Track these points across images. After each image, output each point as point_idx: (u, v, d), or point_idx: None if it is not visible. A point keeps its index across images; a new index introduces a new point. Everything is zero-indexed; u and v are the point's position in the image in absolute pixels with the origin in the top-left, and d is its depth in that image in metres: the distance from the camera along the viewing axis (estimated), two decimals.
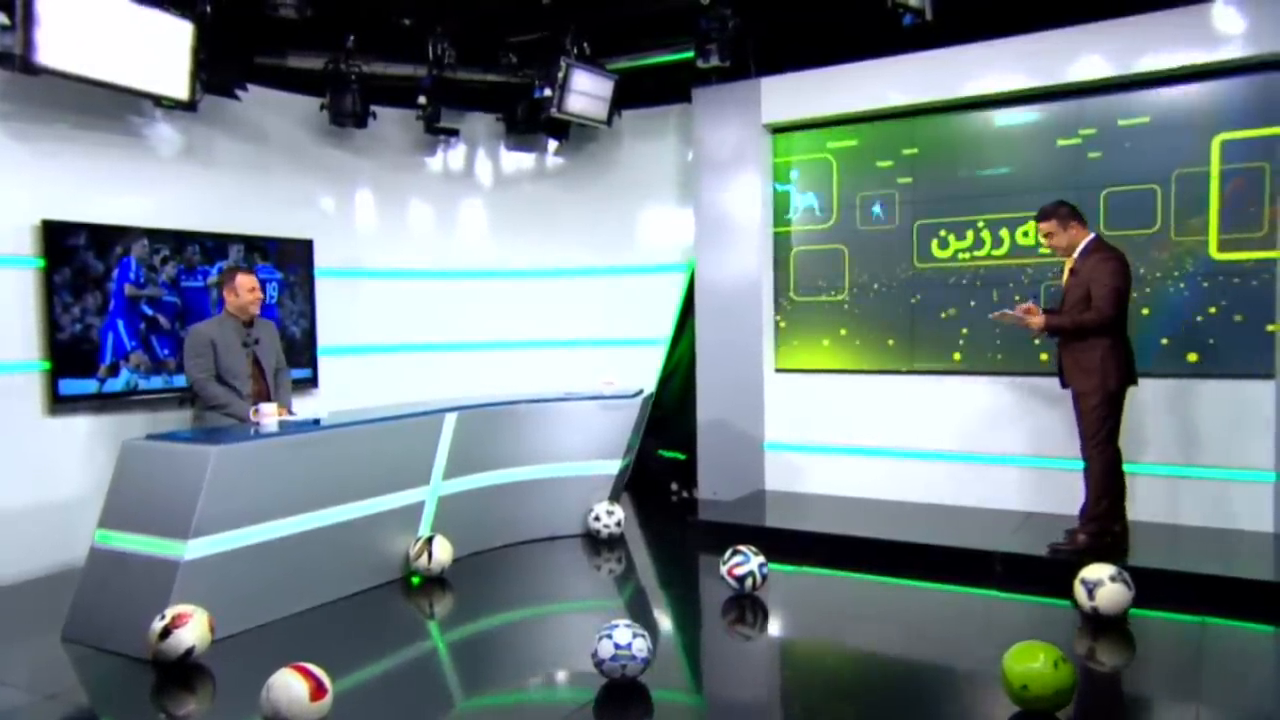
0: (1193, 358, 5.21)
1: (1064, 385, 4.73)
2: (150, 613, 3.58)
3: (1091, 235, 4.62)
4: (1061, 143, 5.56)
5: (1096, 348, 4.49)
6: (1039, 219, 4.69)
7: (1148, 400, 5.18)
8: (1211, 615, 4.02)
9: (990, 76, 5.62)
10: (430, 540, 4.73)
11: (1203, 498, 5.14)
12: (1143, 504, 5.16)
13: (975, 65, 5.65)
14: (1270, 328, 5.00)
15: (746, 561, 4.27)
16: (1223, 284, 5.15)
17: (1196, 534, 5.00)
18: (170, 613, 3.54)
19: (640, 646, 3.24)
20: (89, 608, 3.93)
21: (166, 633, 3.49)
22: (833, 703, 3.42)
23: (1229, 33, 4.97)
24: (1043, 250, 5.55)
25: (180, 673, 3.53)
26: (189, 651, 3.51)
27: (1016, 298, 4.81)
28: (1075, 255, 4.60)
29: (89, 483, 5.02)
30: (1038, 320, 4.62)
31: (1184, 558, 4.58)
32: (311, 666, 3.00)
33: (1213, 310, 5.18)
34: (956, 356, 5.89)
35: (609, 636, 3.25)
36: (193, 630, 3.52)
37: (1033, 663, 2.93)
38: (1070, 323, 4.52)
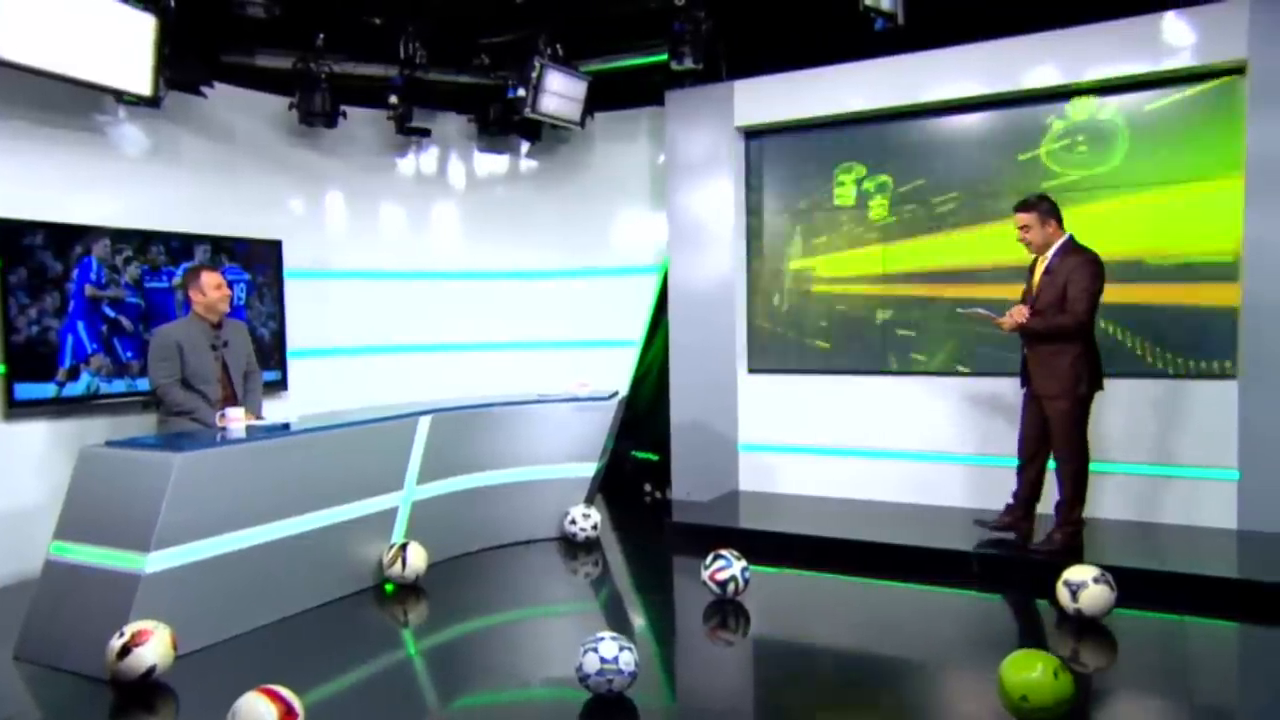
0: (1157, 358, 5.12)
1: (1024, 385, 4.59)
2: (109, 629, 3.27)
3: (1067, 235, 4.43)
4: (1026, 152, 5.44)
5: (1067, 353, 4.31)
6: (1018, 210, 4.46)
7: (1116, 400, 5.08)
8: (1180, 613, 3.91)
9: (957, 82, 5.49)
10: (404, 547, 4.45)
11: (1169, 496, 5.03)
12: (1112, 503, 5.07)
13: (943, 70, 5.52)
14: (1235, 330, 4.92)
15: (729, 566, 4.06)
16: (1186, 285, 5.05)
17: (1164, 531, 4.89)
18: (130, 629, 3.24)
19: (627, 660, 3.01)
20: (43, 624, 3.60)
21: (126, 651, 3.19)
22: (823, 709, 3.22)
23: (1178, 44, 4.92)
24: (1009, 254, 5.45)
25: (141, 693, 3.23)
26: (150, 670, 3.21)
27: (980, 310, 4.69)
28: (1050, 254, 4.41)
29: (46, 491, 4.66)
30: (1009, 321, 4.43)
31: (1154, 556, 4.47)
32: (280, 689, 2.72)
33: (1176, 310, 5.08)
34: (929, 359, 5.75)
35: (594, 650, 3.01)
36: (154, 648, 3.22)
37: (1031, 672, 2.75)
38: (1044, 326, 4.33)
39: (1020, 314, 4.39)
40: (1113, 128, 5.23)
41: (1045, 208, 4.40)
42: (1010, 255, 5.43)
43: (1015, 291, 4.84)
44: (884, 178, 5.85)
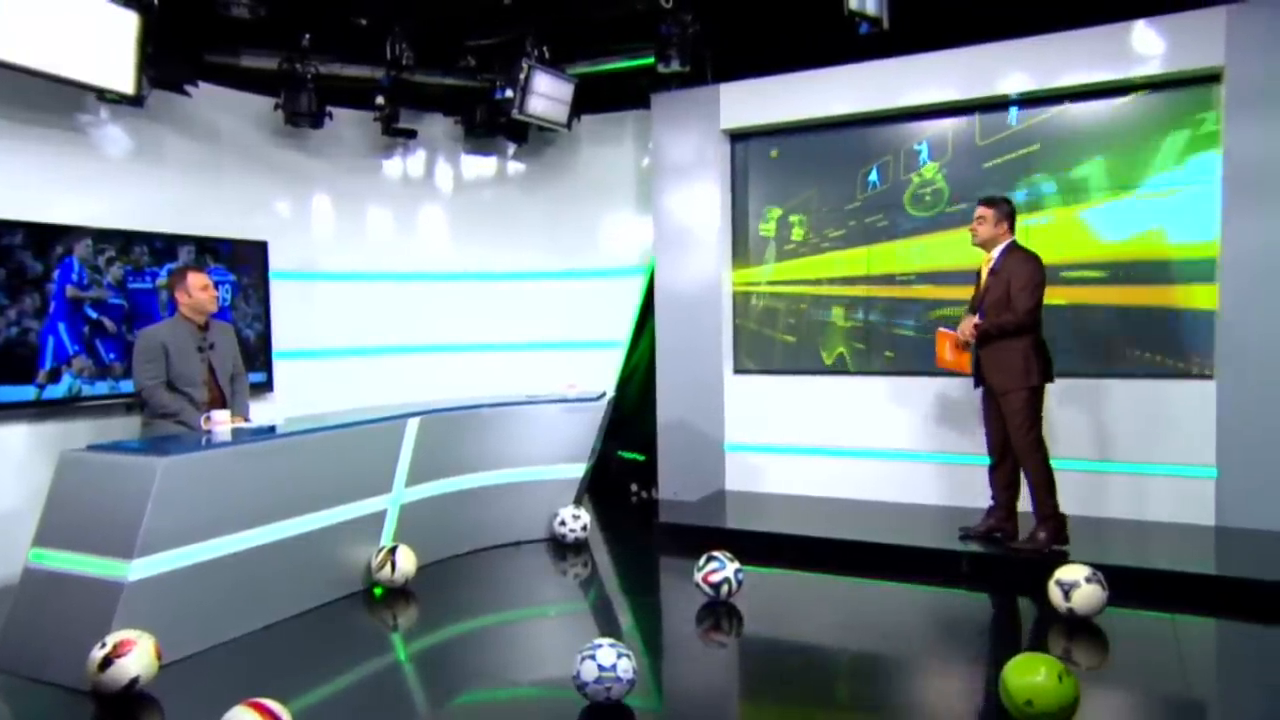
0: (1137, 358, 5.07)
1: (978, 385, 4.54)
2: (90, 639, 3.08)
3: (1012, 238, 4.46)
4: (1007, 152, 5.37)
5: (1017, 347, 4.32)
6: (981, 202, 4.52)
7: (1096, 399, 5.03)
8: (1166, 610, 3.84)
9: (938, 87, 5.42)
10: (393, 550, 4.29)
11: (1150, 494, 4.97)
12: (1095, 500, 5.00)
13: (926, 75, 5.43)
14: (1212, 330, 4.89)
15: (722, 568, 3.93)
16: (1162, 287, 5.01)
17: (1145, 529, 4.84)
18: (112, 640, 3.05)
19: (625, 667, 2.87)
20: (22, 634, 3.40)
21: (108, 662, 3.00)
22: (820, 712, 3.10)
23: (1157, 51, 4.89)
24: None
25: (124, 705, 3.04)
26: (133, 682, 3.02)
27: (944, 330, 4.64)
28: (994, 256, 4.45)
29: (26, 495, 4.44)
30: (966, 334, 4.41)
31: (1138, 554, 4.40)
32: (269, 702, 2.56)
33: (1155, 312, 5.04)
34: (912, 360, 5.66)
35: (592, 658, 2.87)
36: (137, 659, 3.03)
37: (1035, 676, 2.65)
38: (993, 326, 4.34)
39: (967, 328, 4.40)
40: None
41: (1005, 209, 4.47)
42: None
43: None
44: (864, 184, 5.78)
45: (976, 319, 4.40)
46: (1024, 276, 4.29)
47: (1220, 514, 4.80)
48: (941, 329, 4.66)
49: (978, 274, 4.60)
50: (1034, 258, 4.37)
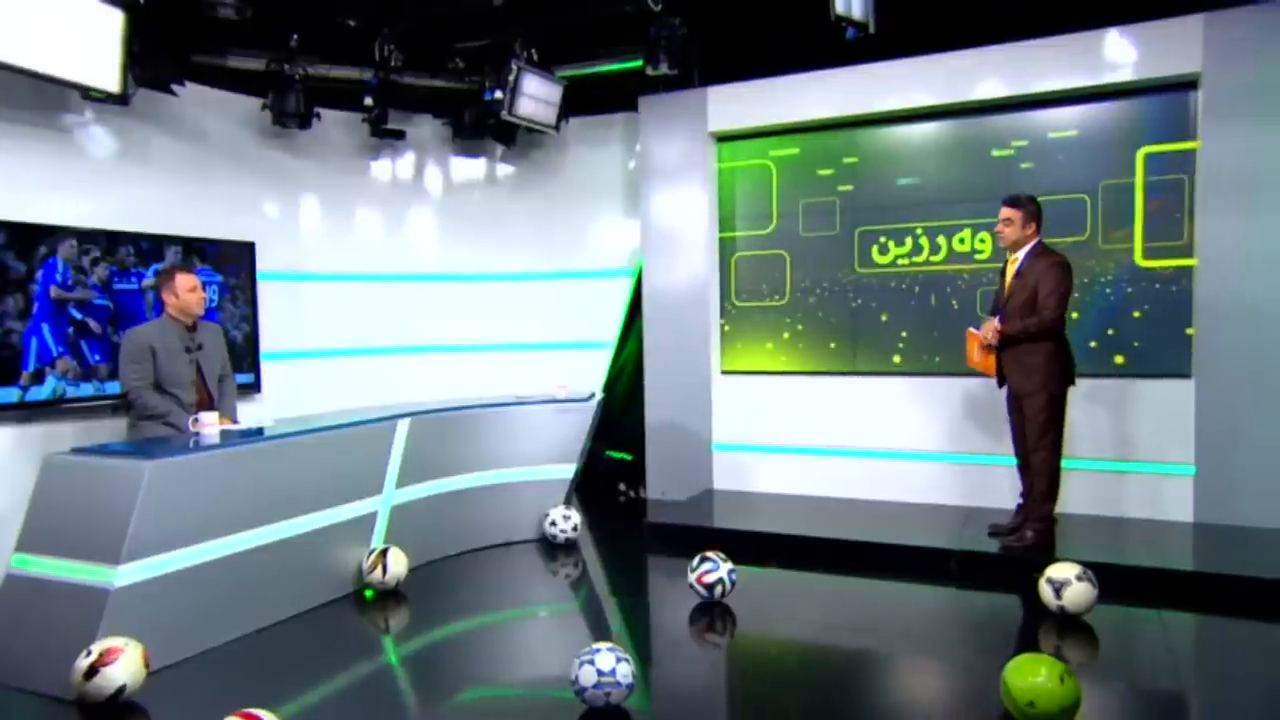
0: (1119, 359, 5.04)
1: (1001, 384, 4.45)
2: (75, 647, 2.95)
3: (1039, 239, 4.31)
4: (996, 153, 5.33)
5: (1040, 351, 4.21)
6: (1006, 203, 4.31)
7: (1079, 398, 4.99)
8: (1152, 606, 3.80)
9: (924, 92, 5.36)
10: (384, 552, 4.16)
11: (1132, 491, 4.95)
12: (1079, 497, 4.97)
13: (911, 79, 5.38)
14: (1189, 330, 4.86)
15: (716, 569, 3.84)
16: (1146, 289, 4.99)
17: (1127, 525, 4.81)
18: (98, 648, 2.92)
19: (625, 671, 2.77)
20: (4, 641, 3.24)
21: (94, 670, 2.87)
22: (816, 712, 3.02)
23: (1135, 58, 4.87)
24: (979, 255, 5.36)
25: (111, 715, 2.90)
26: (120, 690, 2.89)
27: (972, 330, 4.55)
28: (1020, 256, 4.30)
29: (10, 499, 4.25)
30: (988, 338, 4.30)
31: (1122, 551, 4.37)
32: (261, 713, 2.43)
33: (1137, 315, 5.02)
34: (896, 359, 5.60)
35: (590, 662, 2.77)
36: (124, 667, 2.90)
37: (1036, 677, 2.58)
38: (1016, 330, 4.22)
39: (989, 331, 4.29)
40: None
41: (1032, 210, 4.28)
42: (981, 257, 5.35)
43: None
44: (850, 187, 5.71)
45: (998, 322, 4.28)
46: (1052, 281, 4.14)
47: (1198, 510, 4.78)
48: (970, 329, 4.54)
49: (1000, 272, 4.47)
50: (1062, 262, 4.19)
